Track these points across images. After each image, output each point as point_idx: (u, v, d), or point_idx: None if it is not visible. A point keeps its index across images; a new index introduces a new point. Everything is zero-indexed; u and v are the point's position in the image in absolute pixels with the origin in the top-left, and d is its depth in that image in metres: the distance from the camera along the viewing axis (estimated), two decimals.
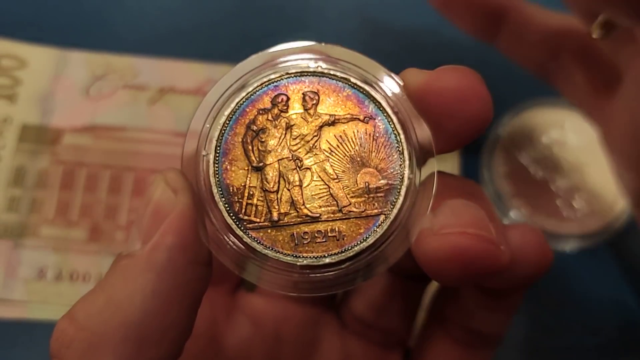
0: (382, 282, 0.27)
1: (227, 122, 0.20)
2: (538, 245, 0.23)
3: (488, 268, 0.20)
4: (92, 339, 0.19)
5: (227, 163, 0.20)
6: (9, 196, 0.39)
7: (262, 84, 0.20)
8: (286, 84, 0.20)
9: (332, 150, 0.20)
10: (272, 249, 0.20)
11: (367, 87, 0.21)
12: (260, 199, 0.20)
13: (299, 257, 0.20)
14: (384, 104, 0.21)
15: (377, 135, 0.20)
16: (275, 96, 0.20)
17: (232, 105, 0.20)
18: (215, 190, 0.20)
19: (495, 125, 0.41)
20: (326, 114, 0.20)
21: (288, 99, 0.20)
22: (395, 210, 0.20)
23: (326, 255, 0.20)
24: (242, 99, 0.20)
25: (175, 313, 0.19)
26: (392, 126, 0.20)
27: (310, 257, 0.20)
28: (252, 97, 0.20)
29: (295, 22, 0.45)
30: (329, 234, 0.20)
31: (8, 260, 0.37)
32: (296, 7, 0.45)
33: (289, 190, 0.20)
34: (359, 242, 0.20)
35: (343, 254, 0.20)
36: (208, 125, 0.20)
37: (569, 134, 0.41)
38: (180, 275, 0.19)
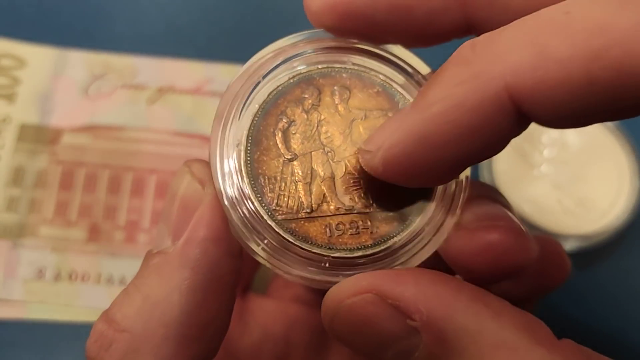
0: None
1: (259, 112, 0.20)
2: (559, 256, 0.23)
3: (518, 261, 0.20)
4: (132, 340, 0.18)
5: (258, 153, 0.20)
6: (8, 196, 0.39)
7: (294, 76, 0.20)
8: (318, 78, 0.20)
9: (360, 142, 0.20)
10: (304, 240, 0.19)
11: (396, 83, 0.21)
12: (293, 190, 0.20)
13: (332, 248, 0.20)
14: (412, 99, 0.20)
15: None
16: (307, 89, 0.20)
17: (264, 96, 0.20)
18: (246, 181, 0.19)
19: None
20: (357, 109, 0.20)
21: (320, 92, 0.20)
22: (427, 207, 0.20)
23: (359, 247, 0.20)
24: (273, 90, 0.20)
25: (213, 308, 0.19)
26: None
27: (343, 249, 0.20)
28: (283, 88, 0.20)
29: (295, 21, 0.45)
30: (361, 227, 0.20)
31: (7, 260, 0.37)
32: (296, 6, 0.45)
33: (321, 182, 0.20)
34: (391, 236, 0.20)
35: (376, 247, 0.20)
36: (238, 116, 0.20)
37: (569, 134, 0.41)
38: (215, 268, 0.19)
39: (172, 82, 0.42)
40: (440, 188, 0.20)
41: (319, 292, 0.24)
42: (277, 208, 0.19)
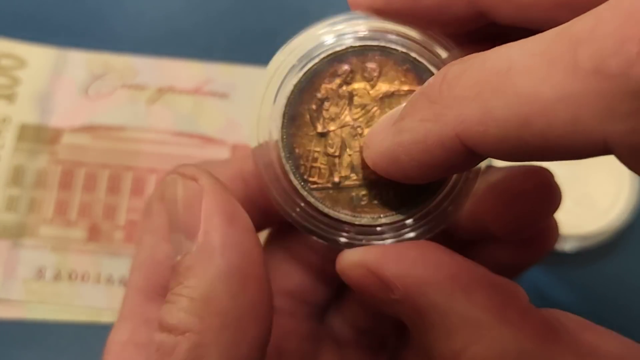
0: None
1: (294, 90, 0.21)
2: (550, 187, 0.26)
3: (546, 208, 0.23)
4: (194, 337, 0.19)
5: (294, 129, 0.21)
6: (8, 196, 0.39)
7: (327, 55, 0.21)
8: (350, 57, 0.21)
9: None
10: (333, 209, 0.21)
11: (425, 62, 0.22)
12: (324, 162, 0.21)
13: (357, 216, 0.21)
14: None
15: None
16: (340, 68, 0.21)
17: (300, 76, 0.21)
18: (282, 154, 0.21)
19: None
20: (387, 86, 0.22)
21: (351, 71, 0.21)
22: (451, 179, 0.22)
23: (382, 215, 0.21)
24: (308, 70, 0.21)
25: (255, 285, 0.19)
26: None
27: (367, 217, 0.21)
28: (317, 68, 0.21)
29: (295, 21, 0.45)
30: (385, 197, 0.22)
31: (7, 260, 0.37)
32: (296, 6, 0.45)
33: (350, 155, 0.21)
34: (414, 206, 0.22)
35: (398, 214, 0.22)
36: (274, 96, 0.22)
37: None
38: (240, 246, 0.19)
39: (172, 82, 0.42)
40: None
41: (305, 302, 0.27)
42: (309, 179, 0.21)
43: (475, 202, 0.23)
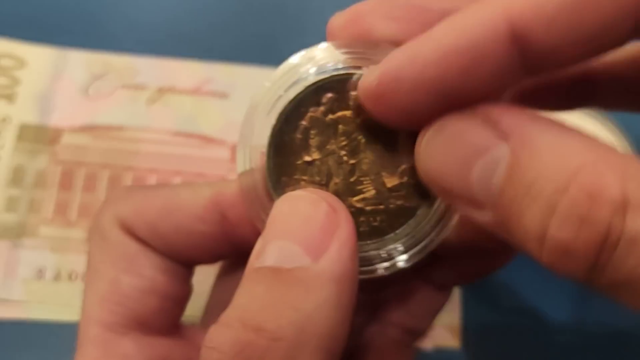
0: (418, 292, 0.28)
1: (280, 119, 0.21)
2: None
3: None
4: (288, 348, 0.19)
5: (280, 158, 0.22)
6: (8, 196, 0.39)
7: (311, 84, 0.21)
8: (334, 85, 0.21)
9: (374, 147, 0.22)
10: None
11: None
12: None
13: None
14: None
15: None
16: (324, 96, 0.21)
17: (285, 104, 0.21)
18: (269, 183, 0.21)
19: None
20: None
21: (336, 99, 0.21)
22: (432, 204, 0.22)
23: (369, 242, 0.22)
24: (293, 99, 0.21)
25: (348, 323, 0.20)
26: None
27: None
28: (302, 97, 0.21)
29: (295, 22, 0.45)
30: (372, 224, 0.22)
31: (7, 260, 0.37)
32: (296, 7, 0.45)
33: (336, 184, 0.22)
34: (399, 231, 0.22)
35: (384, 241, 0.22)
36: (260, 124, 0.22)
37: None
38: (353, 284, 0.20)
39: (172, 82, 0.42)
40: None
41: None
42: None
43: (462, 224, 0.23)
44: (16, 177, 0.39)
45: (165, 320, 0.26)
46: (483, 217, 0.18)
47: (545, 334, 0.38)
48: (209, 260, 0.27)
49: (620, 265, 0.16)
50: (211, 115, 0.42)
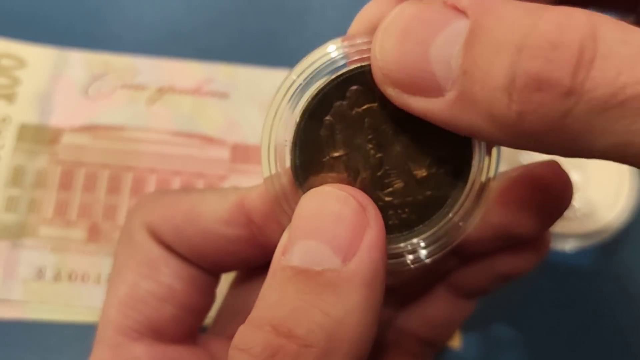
0: (439, 301, 0.28)
1: (304, 115, 0.21)
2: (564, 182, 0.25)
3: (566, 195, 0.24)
4: (319, 355, 0.18)
5: (306, 156, 0.21)
6: (8, 196, 0.39)
7: (336, 77, 0.21)
8: (358, 77, 0.21)
9: (402, 139, 0.21)
10: None
11: None
12: None
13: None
14: None
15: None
16: (349, 89, 0.21)
17: (309, 100, 0.21)
18: (297, 183, 0.21)
19: None
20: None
21: (362, 90, 0.21)
22: (461, 193, 0.22)
23: (399, 235, 0.21)
24: (317, 93, 0.21)
25: (376, 326, 0.19)
26: None
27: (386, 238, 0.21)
28: (326, 91, 0.21)
29: (295, 22, 0.45)
30: (401, 216, 0.21)
31: (7, 260, 0.37)
32: (296, 6, 0.45)
33: (364, 179, 0.21)
34: (428, 222, 0.22)
35: (413, 233, 0.21)
36: (283, 121, 0.21)
37: None
38: (383, 285, 0.20)
39: (172, 82, 0.42)
40: (474, 172, 0.22)
41: None
42: None
43: (495, 206, 0.23)
44: (16, 177, 0.39)
45: (180, 328, 0.26)
46: (442, 105, 0.18)
47: (545, 334, 0.38)
48: (234, 265, 0.27)
49: (597, 84, 0.15)
50: (211, 115, 0.42)
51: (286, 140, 0.21)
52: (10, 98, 0.41)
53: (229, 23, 0.45)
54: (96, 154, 0.40)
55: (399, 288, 0.27)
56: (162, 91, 0.42)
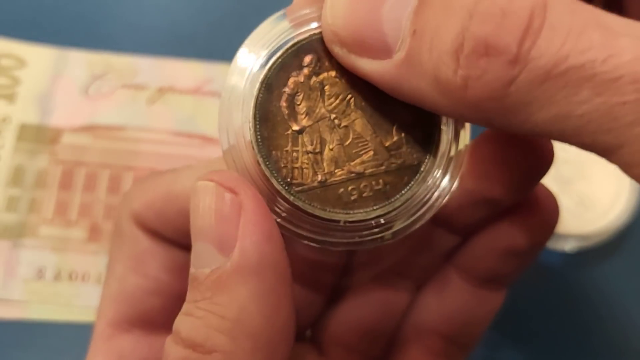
0: (456, 291, 0.27)
1: (261, 88, 0.20)
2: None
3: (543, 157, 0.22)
4: (223, 358, 0.18)
5: (267, 130, 0.20)
6: (8, 196, 0.39)
7: (291, 46, 0.20)
8: (315, 45, 0.20)
9: (366, 106, 0.20)
10: (322, 209, 0.20)
11: None
12: (305, 161, 0.20)
13: (349, 213, 0.20)
14: None
15: None
16: (306, 58, 0.20)
17: (265, 72, 0.20)
18: (259, 158, 0.20)
19: None
20: None
21: (319, 59, 0.20)
22: (435, 158, 0.21)
23: (375, 207, 0.20)
24: (273, 64, 0.20)
25: (286, 307, 0.19)
26: None
27: (361, 212, 0.20)
28: (282, 61, 0.20)
29: None
30: (375, 187, 0.20)
31: (7, 260, 0.37)
32: None
33: (331, 149, 0.20)
34: (404, 191, 0.21)
35: (390, 204, 0.20)
36: (242, 95, 0.20)
37: None
38: (277, 267, 0.19)
39: (172, 82, 0.42)
40: (444, 137, 0.21)
41: None
42: (293, 181, 0.20)
43: (470, 167, 0.22)
44: (16, 177, 0.39)
45: (170, 317, 0.26)
46: (389, 67, 0.17)
47: (545, 334, 0.38)
48: None
49: (542, 53, 0.15)
50: (211, 115, 0.42)
51: (245, 116, 0.20)
52: (10, 98, 0.41)
53: (229, 23, 0.45)
54: (96, 154, 0.40)
55: (404, 269, 0.26)
56: (162, 91, 0.42)
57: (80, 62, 0.43)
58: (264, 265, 0.18)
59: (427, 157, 0.21)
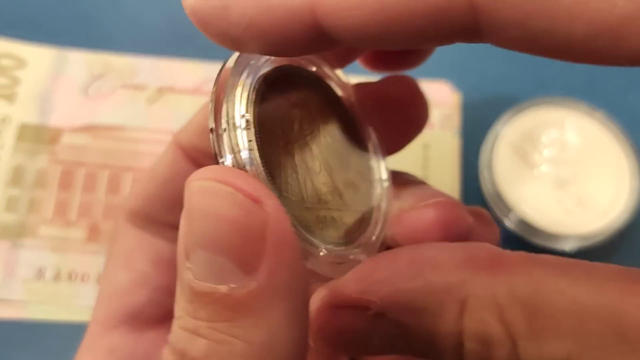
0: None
1: (257, 99, 0.20)
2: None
3: (462, 229, 0.22)
4: None
5: (260, 141, 0.19)
6: (8, 196, 0.39)
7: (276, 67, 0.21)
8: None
9: (327, 145, 0.21)
10: (305, 229, 0.19)
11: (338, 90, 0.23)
12: (293, 180, 0.20)
13: (323, 240, 0.20)
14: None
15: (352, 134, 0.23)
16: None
17: (254, 82, 0.20)
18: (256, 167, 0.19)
19: (495, 124, 0.41)
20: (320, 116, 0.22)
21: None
22: (381, 204, 0.22)
23: (339, 241, 0.21)
24: (259, 77, 0.20)
25: (308, 332, 0.17)
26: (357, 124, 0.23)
27: (330, 242, 0.20)
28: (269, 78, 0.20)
29: None
30: (336, 221, 0.21)
31: (6, 260, 0.37)
32: None
33: (310, 178, 0.20)
34: (358, 231, 0.21)
35: (349, 237, 0.21)
36: (231, 110, 0.20)
37: (569, 133, 0.41)
38: (304, 286, 0.17)
39: (172, 82, 0.42)
40: (386, 184, 0.23)
41: None
42: (285, 194, 0.19)
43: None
44: (16, 177, 0.39)
45: (158, 311, 0.26)
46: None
47: None
48: None
49: None
50: None
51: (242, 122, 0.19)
52: (10, 98, 0.41)
53: None
54: (96, 154, 0.40)
55: None
56: (162, 91, 0.42)
57: (80, 62, 0.43)
58: (295, 288, 0.17)
59: (375, 203, 0.22)
